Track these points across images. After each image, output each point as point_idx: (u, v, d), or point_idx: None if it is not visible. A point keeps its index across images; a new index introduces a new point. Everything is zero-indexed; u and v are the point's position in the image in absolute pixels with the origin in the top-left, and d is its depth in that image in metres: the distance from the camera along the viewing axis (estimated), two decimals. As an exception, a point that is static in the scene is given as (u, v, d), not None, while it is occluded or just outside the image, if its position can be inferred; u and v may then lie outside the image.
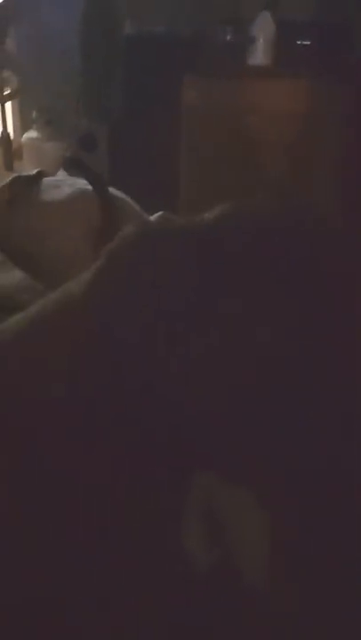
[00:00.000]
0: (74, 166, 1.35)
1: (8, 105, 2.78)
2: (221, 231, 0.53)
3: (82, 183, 1.25)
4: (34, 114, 2.71)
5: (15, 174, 1.22)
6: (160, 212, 1.32)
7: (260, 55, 2.33)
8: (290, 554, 0.59)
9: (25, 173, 1.23)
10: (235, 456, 0.49)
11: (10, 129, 2.78)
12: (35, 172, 1.24)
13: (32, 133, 2.73)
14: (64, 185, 1.25)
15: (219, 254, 0.52)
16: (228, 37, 2.43)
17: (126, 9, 2.44)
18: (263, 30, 2.31)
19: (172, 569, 0.52)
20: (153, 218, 1.29)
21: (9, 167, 2.71)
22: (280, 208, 0.58)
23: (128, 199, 1.25)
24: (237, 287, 0.50)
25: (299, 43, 2.34)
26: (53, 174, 1.34)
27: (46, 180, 1.25)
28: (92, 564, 0.50)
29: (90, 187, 1.23)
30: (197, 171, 2.42)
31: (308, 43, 2.34)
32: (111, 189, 1.25)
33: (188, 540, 0.53)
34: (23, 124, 2.81)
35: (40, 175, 1.24)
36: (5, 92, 2.72)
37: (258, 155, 2.38)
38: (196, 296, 0.50)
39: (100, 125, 2.53)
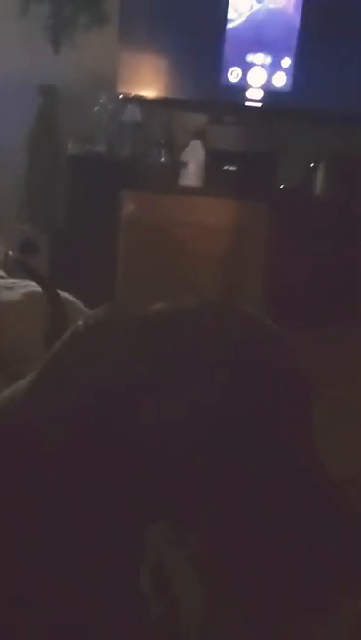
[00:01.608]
0: (18, 267, 1.47)
1: None
2: (157, 321, 0.63)
3: (33, 285, 1.36)
4: (-25, 219, 2.84)
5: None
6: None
7: (191, 177, 2.59)
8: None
9: (-20, 276, 1.34)
10: (188, 509, 0.59)
11: None
12: (-10, 274, 1.35)
13: (-27, 237, 2.85)
14: (17, 287, 1.36)
15: (155, 340, 0.62)
16: (162, 159, 2.69)
17: (69, 131, 2.69)
18: (194, 156, 2.59)
19: (127, 612, 0.60)
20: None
21: None
22: (209, 307, 0.69)
23: (76, 301, 1.37)
24: (167, 367, 0.60)
25: (226, 168, 2.63)
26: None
27: (0, 281, 1.36)
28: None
29: (39, 288, 1.34)
30: (133, 276, 2.59)
31: (234, 168, 2.63)
32: (60, 292, 1.37)
33: (144, 588, 0.61)
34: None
35: (-6, 278, 1.35)
36: None
37: (188, 263, 2.59)
38: (134, 373, 0.60)
39: (41, 233, 2.69)
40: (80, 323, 0.67)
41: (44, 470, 0.59)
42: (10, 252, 1.60)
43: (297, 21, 2.57)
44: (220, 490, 0.56)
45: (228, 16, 2.57)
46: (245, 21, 2.58)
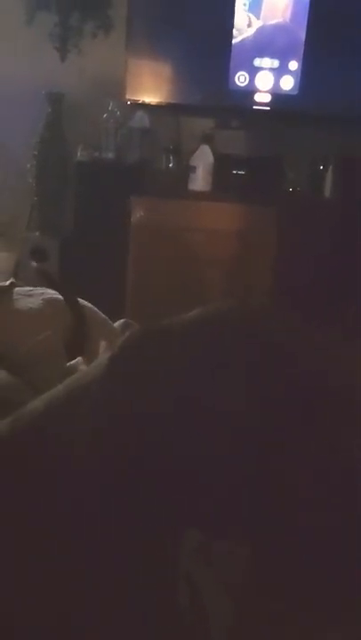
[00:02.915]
0: (39, 276, 1.47)
1: None
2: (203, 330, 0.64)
3: (51, 292, 1.37)
4: (-14, 227, 2.85)
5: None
6: (122, 320, 1.45)
7: (199, 182, 2.59)
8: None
9: (-1, 284, 1.34)
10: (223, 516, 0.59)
11: None
12: (8, 282, 1.36)
13: (-17, 245, 2.86)
14: (34, 294, 1.37)
15: (201, 349, 0.63)
16: (171, 165, 2.70)
17: (78, 138, 2.70)
18: (202, 161, 2.59)
19: (164, 622, 0.60)
20: (116, 324, 1.42)
21: None
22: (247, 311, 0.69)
23: (94, 307, 1.38)
24: (212, 373, 0.61)
25: (234, 172, 2.63)
26: (3, 281, 1.45)
27: (18, 289, 1.36)
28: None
29: (59, 295, 1.35)
30: (143, 281, 2.59)
31: (243, 172, 2.63)
32: (78, 299, 1.38)
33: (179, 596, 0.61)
34: (-25, 236, 2.94)
35: (13, 285, 1.35)
36: None
37: (197, 267, 2.60)
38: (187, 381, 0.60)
39: (51, 239, 2.69)
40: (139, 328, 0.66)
41: (85, 478, 0.59)
42: (33, 263, 1.61)
43: (300, 30, 2.58)
44: (262, 497, 0.56)
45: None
46: (247, 37, 2.60)
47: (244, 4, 2.58)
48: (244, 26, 2.60)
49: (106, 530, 0.59)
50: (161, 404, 0.59)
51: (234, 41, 2.60)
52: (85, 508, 0.61)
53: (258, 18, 2.59)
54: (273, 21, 2.60)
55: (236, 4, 2.57)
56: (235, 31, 2.59)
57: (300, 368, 0.58)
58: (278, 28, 2.60)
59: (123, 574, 0.61)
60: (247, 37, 2.60)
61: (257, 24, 2.59)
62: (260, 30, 2.60)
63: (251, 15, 2.59)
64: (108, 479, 0.59)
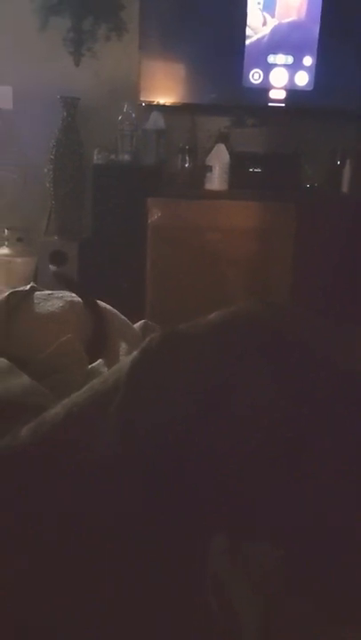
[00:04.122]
0: (61, 281, 1.48)
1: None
2: (227, 333, 0.64)
3: (70, 295, 1.37)
4: (5, 232, 2.87)
5: (11, 289, 1.33)
6: (142, 321, 1.45)
7: (216, 181, 2.59)
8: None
9: (20, 288, 1.35)
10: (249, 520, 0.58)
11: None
12: (28, 286, 1.36)
13: (3, 250, 2.88)
14: (54, 298, 1.37)
15: (225, 351, 0.63)
16: (187, 165, 2.70)
17: (93, 141, 2.70)
18: (218, 160, 2.59)
19: (196, 628, 0.60)
20: (136, 326, 1.42)
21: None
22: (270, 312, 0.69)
23: (114, 309, 1.38)
24: (240, 379, 0.61)
25: (251, 170, 2.62)
26: (23, 286, 1.46)
27: (38, 293, 1.37)
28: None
29: (78, 298, 1.35)
30: (162, 282, 2.59)
31: (260, 170, 2.62)
32: (98, 301, 1.38)
33: (209, 599, 0.61)
34: (-5, 241, 2.97)
35: (33, 290, 1.36)
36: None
37: (216, 267, 2.59)
38: (211, 386, 0.60)
39: (69, 243, 2.71)
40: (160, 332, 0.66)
41: (108, 484, 0.59)
42: (52, 267, 1.61)
43: (314, 26, 2.56)
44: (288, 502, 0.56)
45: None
46: (261, 37, 2.58)
47: (258, 3, 2.57)
48: (259, 25, 2.58)
49: (133, 535, 0.59)
50: (185, 408, 0.58)
51: (249, 40, 2.59)
52: (110, 515, 0.61)
53: (273, 16, 2.58)
54: (288, 19, 2.58)
55: (251, 4, 2.56)
56: (250, 30, 2.58)
57: (328, 367, 0.57)
58: (293, 26, 2.59)
59: (152, 578, 0.60)
60: (263, 36, 2.59)
61: (272, 23, 2.58)
62: (276, 29, 2.58)
63: (266, 14, 2.57)
64: (132, 485, 0.59)
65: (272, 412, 0.55)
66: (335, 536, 0.57)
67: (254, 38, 2.59)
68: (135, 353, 0.64)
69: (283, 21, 2.58)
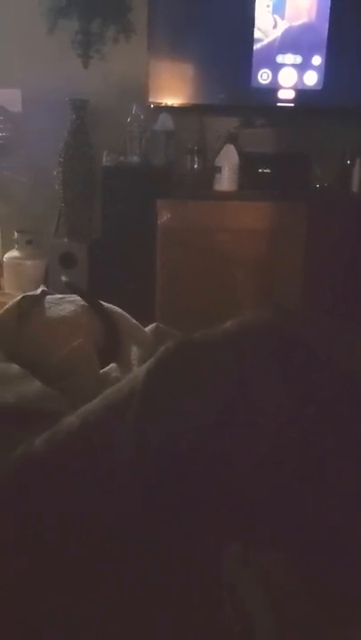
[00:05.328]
0: (68, 288, 1.48)
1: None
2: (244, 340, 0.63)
3: (80, 299, 1.37)
4: (15, 235, 2.88)
5: (23, 293, 1.34)
6: (154, 324, 1.45)
7: (225, 182, 2.58)
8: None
9: (31, 292, 1.35)
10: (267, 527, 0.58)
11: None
12: (39, 290, 1.37)
13: (13, 253, 2.89)
14: (65, 302, 1.37)
15: (241, 360, 0.62)
16: (196, 166, 2.69)
17: (103, 143, 2.71)
18: (228, 160, 2.58)
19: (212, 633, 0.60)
20: (147, 329, 1.42)
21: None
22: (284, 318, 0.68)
23: (124, 312, 1.38)
24: (257, 386, 0.60)
25: (260, 171, 2.62)
26: (34, 289, 1.46)
27: (49, 297, 1.37)
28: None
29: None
30: (172, 283, 2.59)
31: (269, 170, 2.61)
32: (108, 305, 1.38)
33: (224, 607, 0.60)
34: (5, 244, 2.98)
35: (44, 294, 1.36)
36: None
37: (226, 268, 2.59)
38: (230, 394, 0.60)
39: (79, 245, 2.71)
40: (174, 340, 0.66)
41: (124, 493, 0.59)
42: (64, 278, 1.62)
43: (323, 25, 2.55)
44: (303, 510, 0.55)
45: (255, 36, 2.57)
46: (273, 40, 2.58)
47: (268, 6, 2.56)
48: (270, 28, 2.57)
49: (148, 544, 0.59)
50: (200, 418, 0.58)
51: (260, 44, 2.57)
52: (125, 523, 0.61)
53: (283, 19, 2.57)
54: (298, 22, 2.57)
55: (261, 6, 2.55)
56: (261, 34, 2.57)
57: (347, 376, 0.57)
58: (303, 27, 2.57)
59: (167, 586, 0.60)
60: (275, 39, 2.58)
61: (283, 25, 2.57)
62: (287, 31, 2.57)
63: (276, 16, 2.56)
64: (148, 493, 0.59)
65: (289, 423, 0.55)
66: (337, 536, 0.57)
67: (266, 42, 2.58)
68: (150, 361, 0.64)
69: (293, 24, 2.57)
